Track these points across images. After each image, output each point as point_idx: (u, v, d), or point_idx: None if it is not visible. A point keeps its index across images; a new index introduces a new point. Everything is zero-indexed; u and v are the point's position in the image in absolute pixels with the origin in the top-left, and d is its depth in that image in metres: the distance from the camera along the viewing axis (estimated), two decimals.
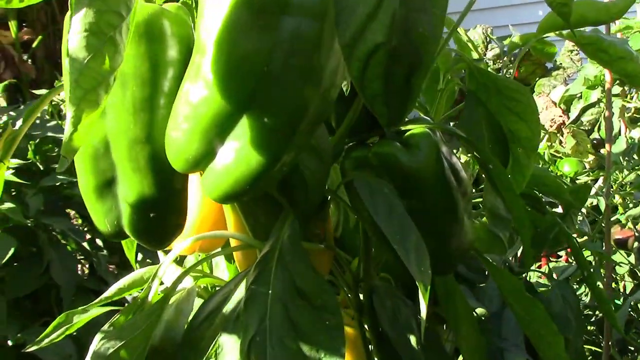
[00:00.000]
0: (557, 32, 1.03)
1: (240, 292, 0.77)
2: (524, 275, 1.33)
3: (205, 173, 0.59)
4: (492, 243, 1.00)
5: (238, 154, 0.56)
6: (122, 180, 0.64)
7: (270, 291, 0.72)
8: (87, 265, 2.02)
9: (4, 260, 1.55)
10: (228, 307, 0.79)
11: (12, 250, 1.58)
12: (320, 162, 0.74)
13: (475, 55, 1.20)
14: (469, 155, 1.37)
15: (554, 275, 1.73)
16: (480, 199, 1.05)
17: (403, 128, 0.84)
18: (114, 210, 0.65)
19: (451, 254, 0.87)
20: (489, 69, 3.55)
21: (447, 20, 1.30)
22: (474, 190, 1.25)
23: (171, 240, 0.69)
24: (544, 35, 1.04)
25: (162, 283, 1.02)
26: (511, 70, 3.17)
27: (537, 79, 3.02)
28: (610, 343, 1.62)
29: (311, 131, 0.61)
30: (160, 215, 0.65)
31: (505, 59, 3.15)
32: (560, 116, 2.40)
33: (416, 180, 0.80)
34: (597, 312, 1.93)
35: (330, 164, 0.77)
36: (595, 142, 2.45)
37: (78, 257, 1.95)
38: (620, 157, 1.97)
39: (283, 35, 0.54)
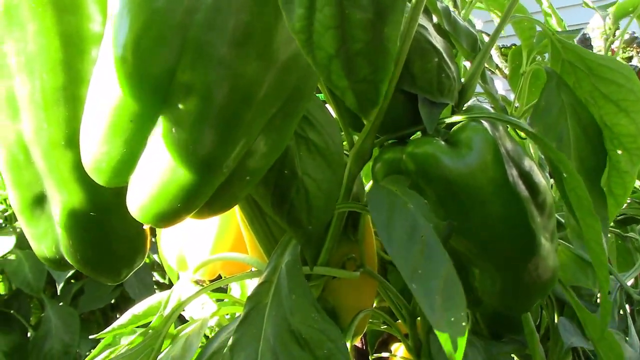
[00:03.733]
0: None
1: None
2: None
3: (128, 187, 0.43)
4: (579, 271, 0.75)
5: (162, 159, 0.40)
6: (50, 196, 0.49)
7: (262, 335, 0.55)
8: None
9: (69, 274, 1.50)
10: (226, 352, 0.64)
11: None
12: (327, 169, 0.56)
13: (558, 28, 0.95)
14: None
15: None
16: None
17: (450, 120, 0.63)
18: (50, 234, 0.51)
19: (528, 289, 0.66)
20: (617, 58, 3.15)
21: None
22: None
23: (127, 271, 0.53)
24: None
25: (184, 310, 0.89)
26: None
27: None
28: None
29: (278, 120, 0.43)
30: (102, 240, 0.50)
31: (635, 44, 2.77)
32: None
33: (466, 190, 0.59)
34: None
35: (342, 171, 0.58)
36: None
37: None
38: None
39: None
